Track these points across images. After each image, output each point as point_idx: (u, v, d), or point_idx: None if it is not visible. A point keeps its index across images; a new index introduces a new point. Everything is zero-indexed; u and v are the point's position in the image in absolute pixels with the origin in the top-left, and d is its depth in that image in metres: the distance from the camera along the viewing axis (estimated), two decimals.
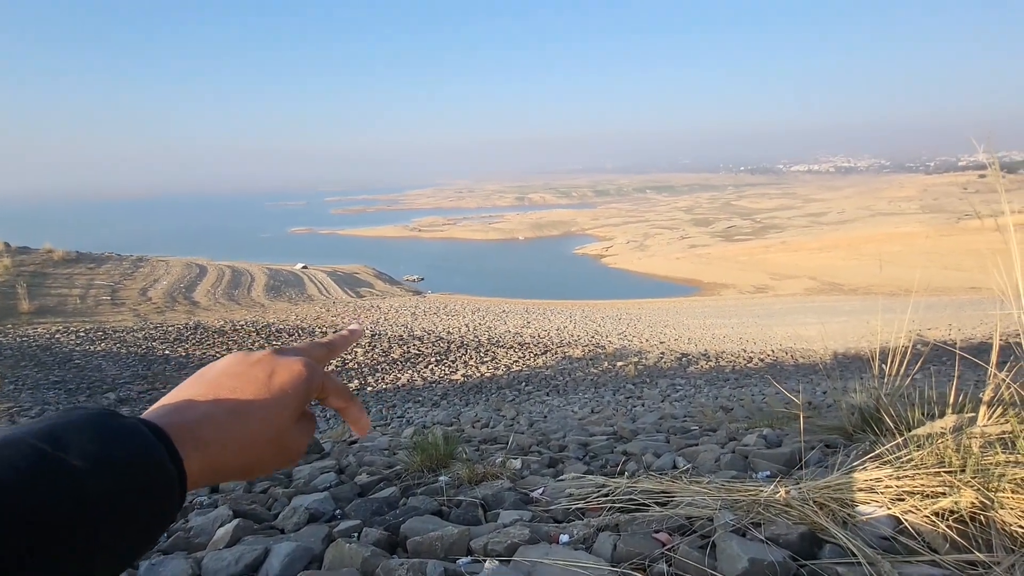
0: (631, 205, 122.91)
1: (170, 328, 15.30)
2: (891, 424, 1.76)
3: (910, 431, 1.60)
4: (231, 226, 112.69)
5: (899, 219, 62.38)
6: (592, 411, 5.78)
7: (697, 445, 2.47)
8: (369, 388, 9.68)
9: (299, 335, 15.26)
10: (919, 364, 2.18)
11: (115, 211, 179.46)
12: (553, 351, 13.90)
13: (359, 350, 13.11)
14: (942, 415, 1.74)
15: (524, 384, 9.55)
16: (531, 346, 14.65)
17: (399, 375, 10.68)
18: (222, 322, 17.11)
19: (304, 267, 41.85)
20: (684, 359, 12.81)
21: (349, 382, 9.97)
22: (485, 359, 12.48)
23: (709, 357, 13.30)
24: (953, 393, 1.76)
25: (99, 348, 12.01)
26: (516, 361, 12.36)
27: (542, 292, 38.36)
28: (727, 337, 17.86)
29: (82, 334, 13.56)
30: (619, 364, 11.74)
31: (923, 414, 1.82)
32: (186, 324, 16.29)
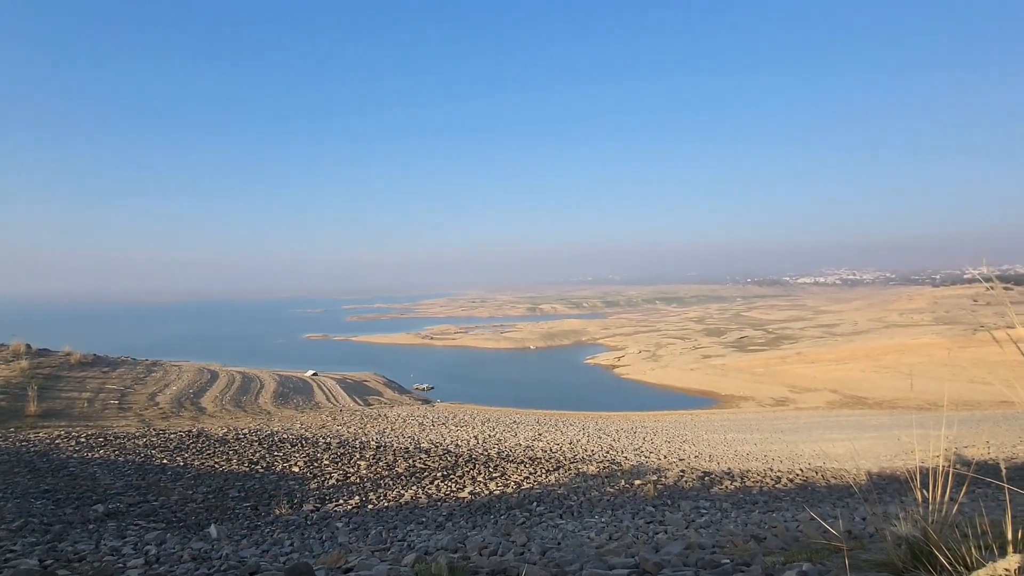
0: (641, 315, 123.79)
1: (172, 435, 14.90)
2: (945, 561, 1.58)
3: (969, 571, 1.43)
4: (250, 332, 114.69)
5: (914, 331, 61.62)
6: (610, 537, 5.30)
7: None
8: (370, 506, 9.10)
9: (302, 445, 14.73)
10: (964, 488, 2.01)
11: (144, 315, 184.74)
12: (566, 467, 13.16)
13: (362, 463, 12.54)
14: (1002, 551, 1.56)
15: (535, 504, 8.91)
16: (543, 461, 13.91)
17: (403, 491, 10.07)
18: (225, 430, 16.67)
19: (315, 374, 41.66)
20: (707, 478, 12.01)
21: (350, 499, 9.40)
22: (494, 475, 11.81)
23: (734, 476, 12.46)
24: (1010, 525, 1.60)
25: (97, 455, 11.64)
26: (527, 478, 11.66)
27: (554, 402, 37.39)
28: (751, 455, 16.88)
29: (83, 440, 13.23)
30: (637, 483, 11.01)
31: (979, 549, 1.64)
32: (189, 431, 15.88)
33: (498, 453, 15.22)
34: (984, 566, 1.48)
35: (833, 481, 12.20)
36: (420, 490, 10.20)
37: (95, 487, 8.97)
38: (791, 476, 12.72)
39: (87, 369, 25.65)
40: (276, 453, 13.28)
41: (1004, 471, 1.92)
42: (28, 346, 25.55)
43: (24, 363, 22.67)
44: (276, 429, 17.71)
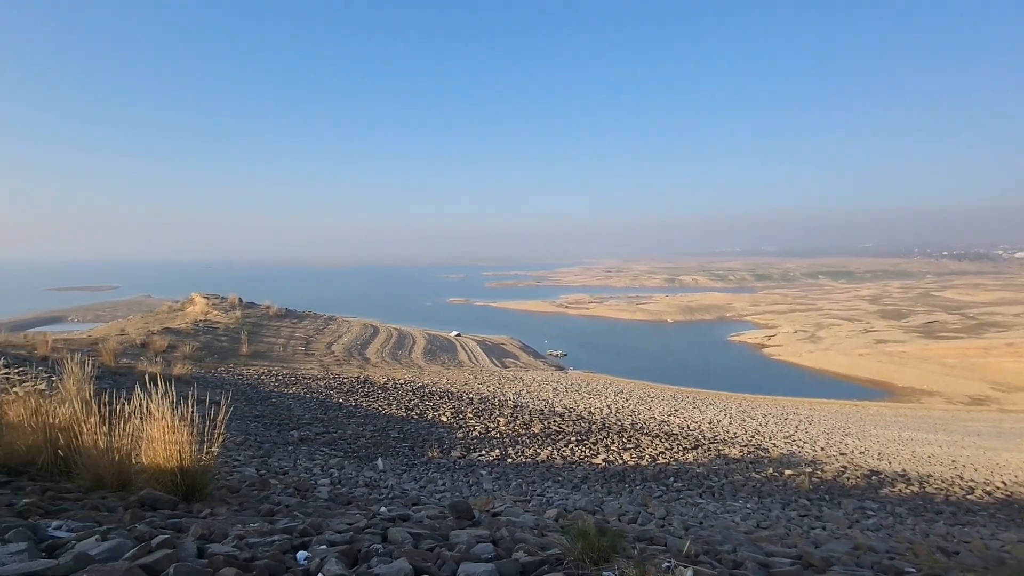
0: (800, 291, 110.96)
1: (344, 379, 17.32)
2: None
3: None
4: (402, 294, 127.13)
5: None
6: (758, 525, 4.99)
7: None
8: (509, 460, 9.69)
9: (448, 398, 16.10)
10: None
11: (321, 276, 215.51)
12: (705, 447, 12.58)
13: (501, 420, 13.33)
14: None
15: (672, 480, 8.71)
16: (679, 438, 13.47)
17: (539, 451, 10.53)
18: (385, 378, 18.89)
19: (458, 335, 44.97)
20: (874, 478, 10.60)
21: (491, 451, 10.11)
22: (628, 446, 11.76)
23: (910, 480, 10.83)
24: None
25: (291, 391, 14.01)
26: (662, 452, 11.41)
27: (692, 379, 35.62)
28: (934, 457, 14.47)
29: (280, 377, 16.02)
30: (787, 472, 10.13)
31: None
32: (357, 377, 18.32)
33: (632, 424, 15.08)
34: None
35: None
36: (555, 451, 10.57)
37: (290, 416, 10.85)
38: (989, 488, 10.66)
39: (281, 320, 30.76)
40: (427, 403, 14.72)
41: None
42: (240, 299, 31.38)
43: (238, 313, 27.94)
44: (426, 382, 19.59)
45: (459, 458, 9.38)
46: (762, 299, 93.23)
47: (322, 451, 8.24)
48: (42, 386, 7.03)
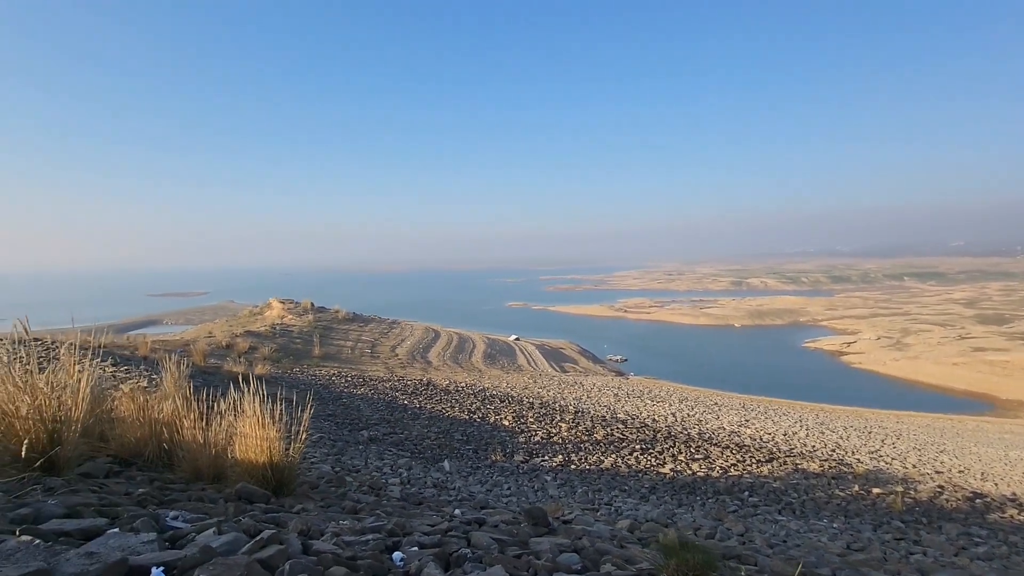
0: (882, 294, 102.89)
1: (408, 382, 17.82)
2: None
3: None
4: (460, 298, 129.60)
5: None
6: (848, 546, 4.61)
7: None
8: (573, 466, 9.57)
9: (509, 402, 16.16)
10: None
11: (384, 281, 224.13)
12: (781, 460, 11.87)
13: (563, 425, 13.21)
14: None
15: (747, 494, 8.25)
16: (752, 450, 12.78)
17: (602, 458, 10.33)
18: (447, 382, 19.26)
19: (516, 339, 45.17)
20: (978, 501, 9.57)
21: (554, 456, 10.03)
22: (696, 456, 11.29)
23: (1023, 506, 9.69)
24: None
25: (359, 392, 14.58)
26: (734, 464, 10.87)
27: (762, 388, 33.85)
28: None
29: (349, 378, 16.72)
30: (876, 491, 9.35)
31: None
32: (420, 380, 18.80)
33: (699, 434, 14.49)
34: None
35: None
36: (619, 459, 10.33)
37: (360, 416, 11.27)
38: None
39: (349, 324, 32.14)
40: (488, 406, 14.84)
41: None
42: (312, 304, 33.09)
43: (311, 316, 29.46)
44: (487, 385, 19.77)
45: (522, 462, 9.37)
46: (839, 303, 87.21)
47: (390, 451, 8.49)
48: (144, 383, 7.71)
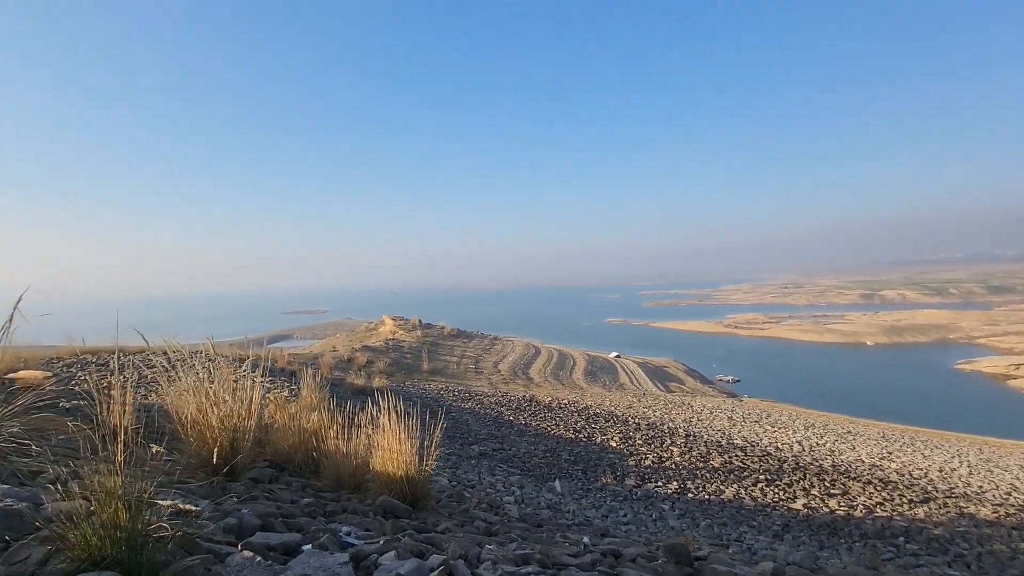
0: None
1: (512, 397, 18.03)
2: None
3: None
4: (559, 315, 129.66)
5: None
6: None
7: None
8: (689, 495, 9.00)
9: (614, 421, 15.70)
10: None
11: (485, 298, 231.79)
12: (939, 501, 10.23)
13: (675, 449, 12.53)
14: None
15: (902, 540, 7.17)
16: (900, 487, 11.17)
17: (722, 487, 9.61)
18: (550, 398, 19.21)
19: (617, 356, 44.01)
20: None
21: (668, 483, 9.51)
22: (833, 491, 10.10)
23: None
24: None
25: (466, 406, 15.01)
26: (880, 503, 9.56)
27: (905, 416, 29.65)
28: None
29: (456, 393, 17.31)
30: None
31: None
32: (523, 396, 18.95)
33: (833, 466, 12.98)
34: None
35: None
36: (742, 490, 9.54)
37: (469, 431, 11.56)
38: None
39: (454, 339, 33.43)
40: (593, 425, 14.52)
41: None
42: (420, 320, 34.94)
43: (419, 332, 31.09)
44: (589, 403, 19.41)
45: (634, 487, 9.00)
46: (1001, 317, 74.42)
47: (501, 467, 8.58)
48: (286, 393, 8.58)
